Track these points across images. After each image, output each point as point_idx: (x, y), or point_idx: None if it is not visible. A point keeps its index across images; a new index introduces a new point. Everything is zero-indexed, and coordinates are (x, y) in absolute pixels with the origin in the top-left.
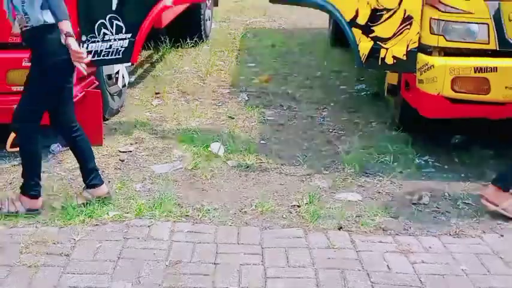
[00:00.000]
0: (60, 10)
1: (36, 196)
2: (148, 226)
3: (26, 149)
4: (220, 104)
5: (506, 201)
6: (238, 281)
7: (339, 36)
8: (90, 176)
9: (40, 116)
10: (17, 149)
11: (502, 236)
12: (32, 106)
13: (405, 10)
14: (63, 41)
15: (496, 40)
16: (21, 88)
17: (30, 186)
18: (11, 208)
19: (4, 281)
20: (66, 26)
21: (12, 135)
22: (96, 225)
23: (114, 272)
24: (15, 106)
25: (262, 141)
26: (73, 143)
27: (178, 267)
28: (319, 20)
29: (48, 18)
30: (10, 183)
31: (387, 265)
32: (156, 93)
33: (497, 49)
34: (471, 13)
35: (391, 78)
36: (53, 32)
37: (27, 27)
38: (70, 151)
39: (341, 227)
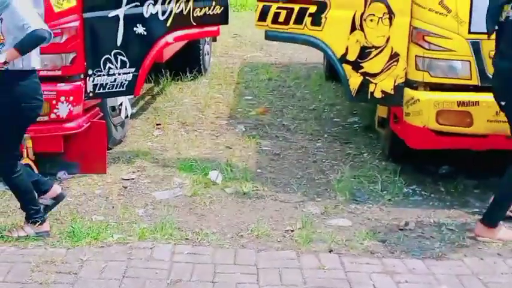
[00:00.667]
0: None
1: (40, 222)
2: (151, 248)
3: (15, 187)
4: (218, 135)
5: (499, 232)
6: None
7: (333, 71)
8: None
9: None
10: None
11: (482, 259)
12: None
13: (392, 47)
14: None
15: (478, 76)
16: (46, 118)
17: (31, 215)
18: (20, 233)
19: (28, 285)
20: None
21: (23, 160)
22: (102, 246)
23: (121, 286)
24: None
25: (258, 170)
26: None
27: (179, 286)
28: (314, 55)
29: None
30: (19, 209)
31: (373, 284)
32: (157, 124)
33: (479, 84)
34: (454, 51)
35: (381, 111)
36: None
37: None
38: (75, 178)
39: (331, 250)
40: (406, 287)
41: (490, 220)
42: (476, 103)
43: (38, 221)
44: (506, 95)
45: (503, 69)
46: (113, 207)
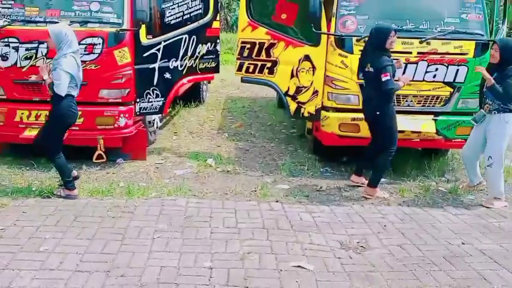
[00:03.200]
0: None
1: (72, 188)
2: (174, 200)
3: (57, 165)
4: (212, 139)
5: (376, 192)
6: (222, 224)
7: (281, 101)
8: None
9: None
10: (100, 160)
11: (363, 206)
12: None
13: (314, 87)
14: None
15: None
16: (101, 127)
17: (66, 183)
18: (61, 194)
19: (106, 218)
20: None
21: (98, 151)
22: (146, 199)
23: (158, 219)
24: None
25: (236, 158)
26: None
27: (190, 219)
28: (270, 92)
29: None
30: (96, 179)
31: (300, 218)
32: (175, 133)
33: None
34: (349, 89)
35: (309, 124)
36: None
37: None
38: (128, 162)
39: (277, 201)
40: (318, 219)
41: (373, 183)
42: (361, 119)
43: (70, 188)
44: (370, 116)
45: (365, 100)
46: (151, 178)
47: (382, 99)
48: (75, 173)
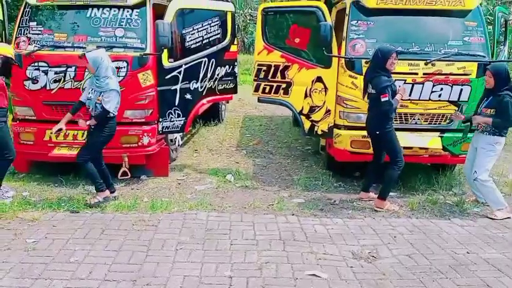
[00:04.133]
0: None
1: (103, 189)
2: (195, 214)
3: (89, 171)
4: (231, 156)
5: (386, 204)
6: (241, 236)
7: (296, 120)
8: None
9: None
10: (125, 177)
11: (374, 218)
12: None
13: (327, 106)
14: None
15: None
16: (126, 145)
17: (98, 187)
18: (95, 200)
19: (131, 231)
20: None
21: (122, 168)
22: (169, 213)
23: (181, 232)
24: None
25: (254, 174)
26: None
27: (212, 231)
28: (286, 112)
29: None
30: (121, 195)
31: (314, 229)
32: (195, 150)
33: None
34: (359, 108)
35: (323, 141)
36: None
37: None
38: (151, 179)
39: (293, 214)
40: (332, 231)
41: (382, 196)
42: None
43: (102, 189)
44: (371, 134)
45: (367, 119)
46: (173, 193)
47: (380, 119)
48: (116, 193)
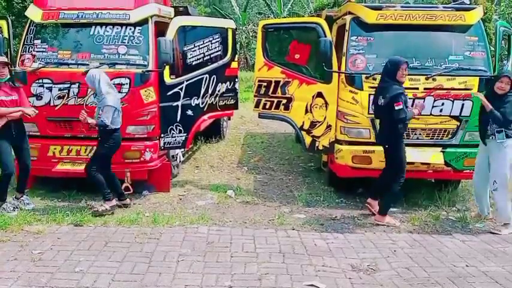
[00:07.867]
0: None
1: (110, 199)
2: (196, 228)
3: (96, 180)
4: (232, 172)
5: (386, 219)
6: (241, 249)
7: (298, 137)
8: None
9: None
10: (127, 192)
11: (375, 233)
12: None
13: (328, 122)
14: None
15: (374, 136)
16: (128, 161)
17: (105, 195)
18: (102, 208)
19: (134, 243)
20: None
21: (125, 183)
22: (170, 227)
23: (182, 244)
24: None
25: (255, 190)
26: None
27: (212, 244)
28: (289, 128)
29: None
30: (123, 209)
31: (315, 243)
32: (196, 166)
33: (375, 141)
34: (360, 123)
35: (324, 157)
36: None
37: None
38: (153, 194)
39: (294, 228)
40: (332, 245)
41: (382, 211)
42: (373, 151)
43: (109, 198)
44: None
45: (378, 131)
46: (174, 208)
47: (392, 131)
48: (128, 201)
